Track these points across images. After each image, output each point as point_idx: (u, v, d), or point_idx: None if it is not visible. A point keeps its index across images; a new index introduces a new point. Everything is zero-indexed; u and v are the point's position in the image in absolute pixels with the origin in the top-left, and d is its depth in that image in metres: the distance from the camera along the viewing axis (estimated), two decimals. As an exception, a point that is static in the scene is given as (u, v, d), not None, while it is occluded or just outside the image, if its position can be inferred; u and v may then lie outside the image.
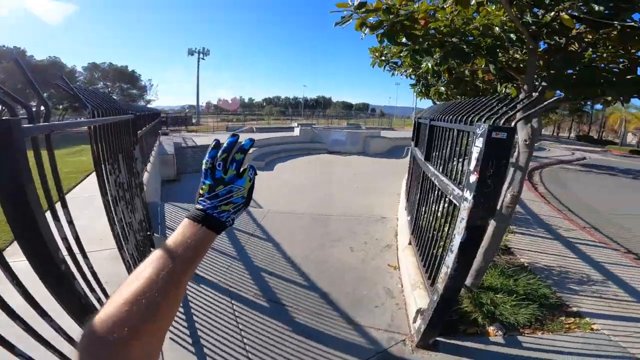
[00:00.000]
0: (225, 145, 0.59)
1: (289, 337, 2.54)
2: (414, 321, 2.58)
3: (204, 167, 0.58)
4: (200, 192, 0.59)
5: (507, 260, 3.92)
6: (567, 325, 2.72)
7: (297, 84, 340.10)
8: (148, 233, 3.58)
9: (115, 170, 2.30)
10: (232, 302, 2.95)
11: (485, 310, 2.70)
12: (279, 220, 5.05)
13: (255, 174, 0.63)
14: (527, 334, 2.60)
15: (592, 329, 2.67)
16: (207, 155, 0.59)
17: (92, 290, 1.48)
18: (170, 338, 2.40)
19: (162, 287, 0.46)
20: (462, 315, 2.73)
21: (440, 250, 2.56)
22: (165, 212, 4.90)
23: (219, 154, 0.58)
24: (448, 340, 2.49)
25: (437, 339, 2.44)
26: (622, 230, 5.91)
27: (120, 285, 0.46)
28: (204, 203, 0.57)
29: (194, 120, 28.95)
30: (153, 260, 0.49)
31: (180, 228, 0.54)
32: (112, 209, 2.03)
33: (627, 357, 2.36)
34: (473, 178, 1.82)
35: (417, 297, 2.70)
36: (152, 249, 3.53)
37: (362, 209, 6.44)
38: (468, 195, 1.88)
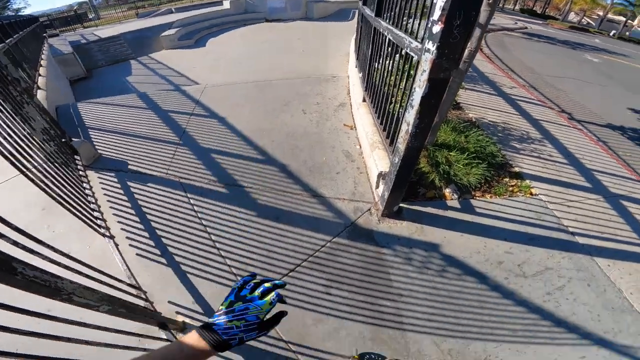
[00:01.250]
0: (263, 278, 0.68)
1: (257, 224, 2.44)
2: (377, 186, 2.59)
3: (234, 285, 0.68)
4: (220, 307, 0.64)
5: (457, 115, 4.03)
6: (511, 188, 2.93)
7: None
8: (63, 140, 2.98)
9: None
10: (187, 195, 2.72)
11: (442, 171, 2.79)
12: (219, 94, 4.51)
13: (281, 300, 0.65)
14: (478, 197, 2.78)
15: (531, 194, 2.89)
16: (241, 279, 0.69)
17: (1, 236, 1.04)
18: (138, 254, 2.23)
19: None
20: (420, 177, 2.80)
21: (397, 106, 2.43)
22: (80, 112, 4.08)
23: (252, 280, 0.68)
24: (410, 207, 2.58)
25: (401, 205, 2.50)
26: (557, 91, 6.24)
27: None
28: (216, 316, 0.62)
29: (90, 16, 23.23)
30: None
31: (184, 339, 0.59)
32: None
33: (562, 229, 2.55)
34: (437, 28, 1.59)
35: (377, 159, 2.67)
36: (76, 157, 3.00)
37: (310, 71, 5.97)
38: (431, 46, 1.67)
